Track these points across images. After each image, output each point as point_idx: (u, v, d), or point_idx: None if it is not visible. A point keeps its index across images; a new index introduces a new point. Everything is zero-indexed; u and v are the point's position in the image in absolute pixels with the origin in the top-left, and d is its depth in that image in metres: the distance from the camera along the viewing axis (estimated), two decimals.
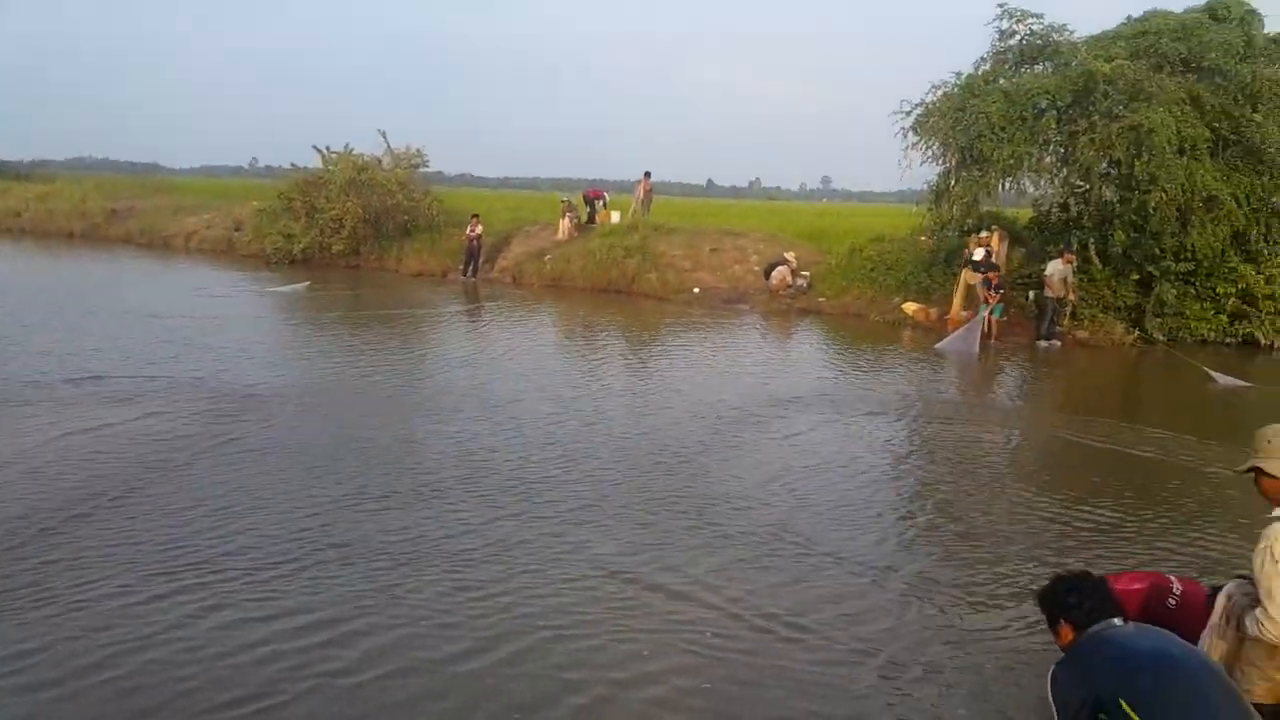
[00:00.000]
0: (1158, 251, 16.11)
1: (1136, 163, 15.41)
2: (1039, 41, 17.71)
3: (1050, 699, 2.85)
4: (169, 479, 6.94)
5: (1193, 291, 16.62)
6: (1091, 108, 16.25)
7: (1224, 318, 16.70)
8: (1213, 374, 13.19)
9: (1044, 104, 16.77)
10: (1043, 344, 15.93)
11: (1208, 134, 15.83)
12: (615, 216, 25.16)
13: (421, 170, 28.09)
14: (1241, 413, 11.61)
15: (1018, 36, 17.83)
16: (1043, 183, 18.07)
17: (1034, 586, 4.48)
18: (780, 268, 20.18)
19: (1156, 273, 16.34)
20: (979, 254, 16.78)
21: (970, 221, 17.90)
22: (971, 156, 16.98)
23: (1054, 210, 18.29)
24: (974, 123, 16.65)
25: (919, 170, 18.45)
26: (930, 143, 17.61)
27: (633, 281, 21.67)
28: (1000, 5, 17.62)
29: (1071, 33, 17.75)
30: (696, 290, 20.99)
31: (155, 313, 15.63)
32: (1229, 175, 15.97)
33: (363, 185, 26.12)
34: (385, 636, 4.64)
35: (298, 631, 4.65)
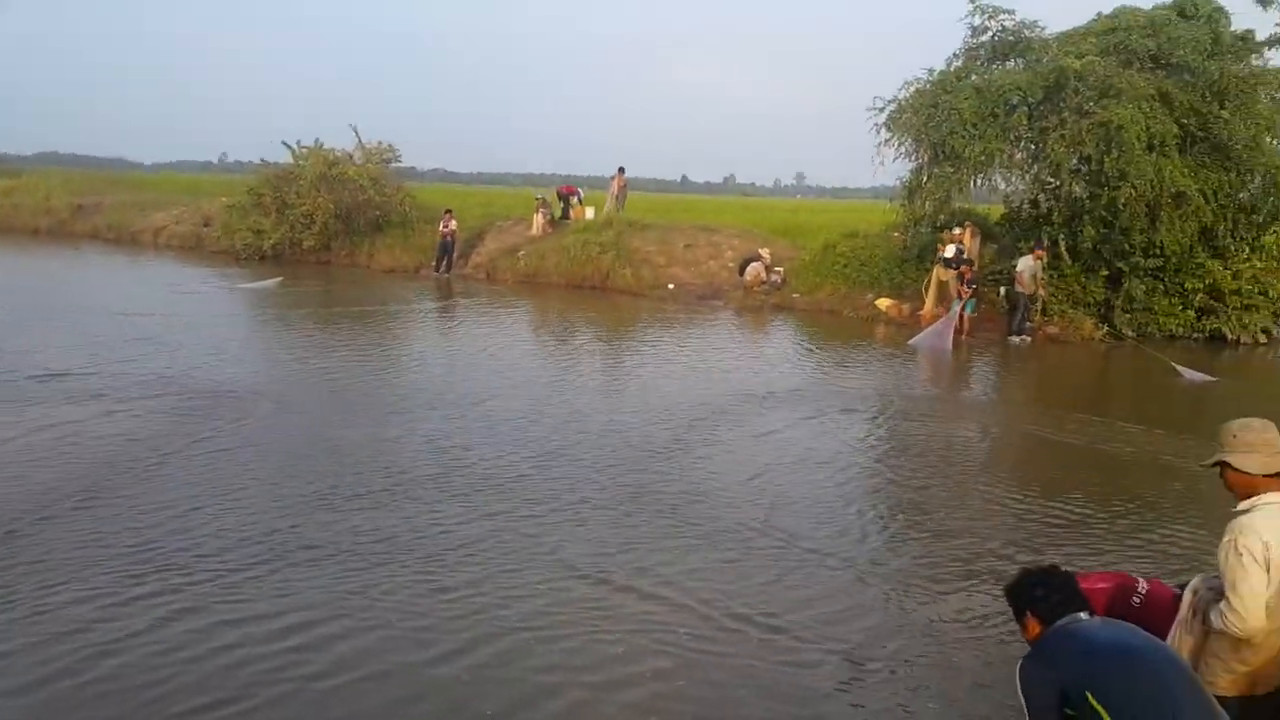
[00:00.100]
0: (1127, 247, 16.28)
1: (1106, 159, 15.56)
2: (1011, 38, 17.87)
3: (1019, 692, 2.87)
4: (138, 479, 6.85)
5: (1161, 287, 16.81)
6: (1062, 104, 16.40)
7: (1192, 313, 16.91)
8: (1180, 369, 13.35)
9: (1015, 100, 16.89)
10: (1014, 339, 16.06)
11: (1176, 130, 16.01)
12: (590, 212, 25.10)
13: (394, 165, 27.86)
14: (1208, 407, 11.77)
15: (990, 33, 17.99)
16: (1014, 179, 18.30)
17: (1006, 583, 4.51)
18: (754, 264, 20.23)
19: (1125, 268, 16.52)
20: (950, 251, 16.90)
21: (943, 217, 18.05)
22: (944, 153, 17.09)
23: (1025, 206, 18.55)
24: (946, 119, 16.77)
25: (892, 166, 18.59)
26: (903, 139, 17.73)
27: (607, 277, 21.64)
28: (973, 1, 17.75)
29: (1043, 29, 17.97)
30: (671, 286, 21.00)
31: (124, 310, 15.42)
32: (1197, 171, 16.15)
33: (334, 180, 25.88)
34: (360, 640, 4.60)
35: (271, 635, 4.60)
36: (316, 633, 4.65)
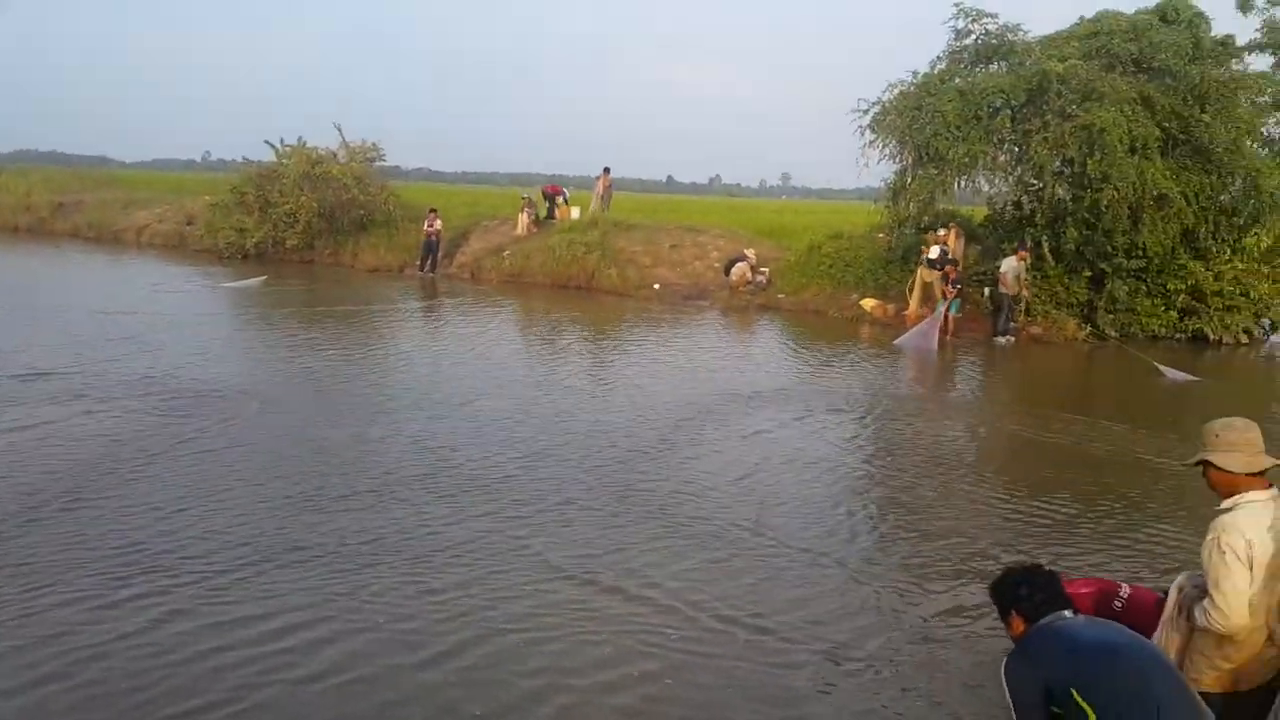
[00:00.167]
0: (1109, 249, 16.41)
1: (1089, 161, 15.67)
2: (994, 41, 17.96)
3: (1004, 690, 2.89)
4: (123, 480, 6.81)
5: (1144, 288, 16.94)
6: (1045, 107, 16.50)
7: (1174, 314, 17.03)
8: (1162, 369, 13.46)
9: (999, 103, 17.00)
10: (998, 340, 16.15)
11: (1158, 133, 16.14)
12: (575, 213, 25.06)
13: (378, 164, 27.74)
14: (1191, 407, 11.87)
15: (973, 36, 18.08)
16: (997, 181, 18.40)
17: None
18: (740, 264, 20.27)
19: (1108, 270, 16.64)
20: (935, 251, 16.99)
21: (927, 219, 18.15)
22: (928, 155, 17.16)
23: (1008, 208, 18.66)
24: (930, 121, 16.83)
25: (877, 168, 18.70)
26: (887, 141, 17.79)
27: (592, 278, 21.62)
28: (956, 4, 17.86)
29: (1026, 33, 18.07)
30: (657, 286, 21.01)
31: (107, 309, 15.31)
32: (1179, 174, 16.28)
33: (317, 179, 25.76)
34: (348, 642, 4.58)
35: (258, 638, 4.58)
36: (304, 635, 4.63)
